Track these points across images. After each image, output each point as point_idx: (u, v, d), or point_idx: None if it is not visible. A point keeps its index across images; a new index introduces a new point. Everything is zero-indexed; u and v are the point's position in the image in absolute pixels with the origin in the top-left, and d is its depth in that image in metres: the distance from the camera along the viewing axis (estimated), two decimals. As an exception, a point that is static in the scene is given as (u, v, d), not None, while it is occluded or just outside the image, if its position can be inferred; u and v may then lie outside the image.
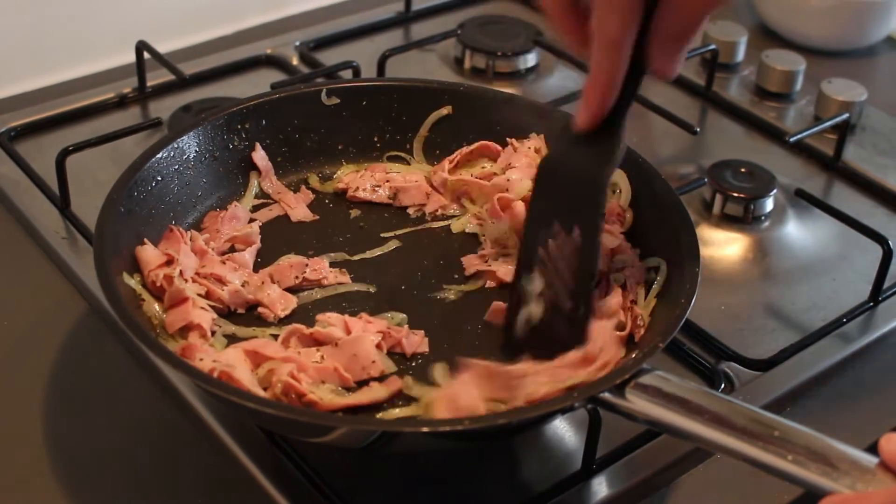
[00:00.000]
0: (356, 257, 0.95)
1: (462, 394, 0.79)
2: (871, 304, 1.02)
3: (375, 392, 0.81)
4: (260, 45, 1.34)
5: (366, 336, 0.83)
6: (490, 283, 0.93)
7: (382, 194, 1.01)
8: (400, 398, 0.82)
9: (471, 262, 0.94)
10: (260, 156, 1.00)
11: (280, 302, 0.89)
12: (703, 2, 0.78)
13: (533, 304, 0.84)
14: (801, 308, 1.02)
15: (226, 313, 0.88)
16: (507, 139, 1.01)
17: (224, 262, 0.90)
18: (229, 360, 0.80)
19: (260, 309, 0.89)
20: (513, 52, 1.33)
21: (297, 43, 1.35)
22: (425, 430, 0.73)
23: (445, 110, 1.03)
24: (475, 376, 0.80)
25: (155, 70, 1.23)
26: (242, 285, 0.88)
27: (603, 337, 0.83)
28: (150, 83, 1.24)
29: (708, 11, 0.79)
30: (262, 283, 0.89)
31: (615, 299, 0.87)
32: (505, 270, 0.92)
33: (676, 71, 0.80)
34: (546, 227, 0.83)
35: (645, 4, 0.78)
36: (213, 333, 0.85)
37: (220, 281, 0.88)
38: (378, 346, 0.83)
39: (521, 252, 0.86)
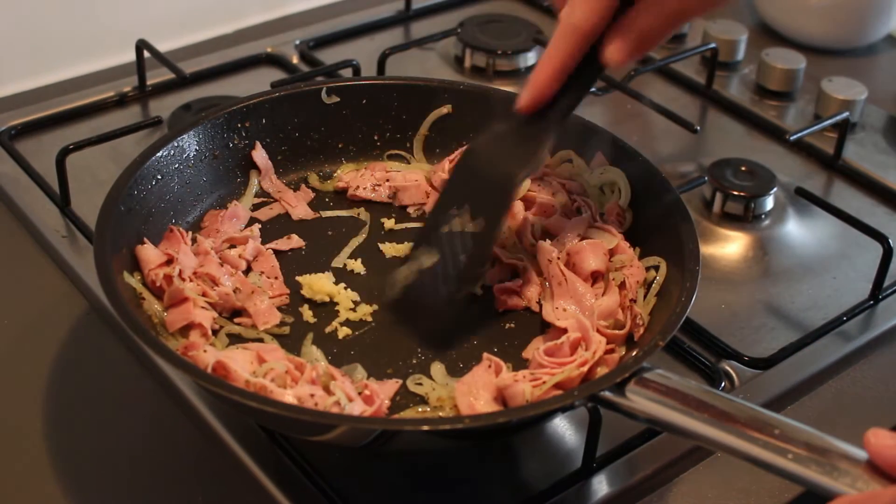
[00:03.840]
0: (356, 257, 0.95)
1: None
2: (872, 302, 1.02)
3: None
4: (260, 43, 1.34)
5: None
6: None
7: (382, 193, 1.01)
8: (412, 399, 0.83)
9: None
10: (260, 154, 1.00)
11: (264, 315, 0.87)
12: (681, 8, 0.77)
13: (418, 268, 0.85)
14: (801, 306, 1.02)
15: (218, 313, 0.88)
16: (507, 138, 1.01)
17: (222, 265, 0.90)
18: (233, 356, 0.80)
19: (242, 318, 0.88)
20: (513, 50, 1.33)
21: (297, 41, 1.35)
22: (425, 428, 0.73)
23: (445, 109, 1.03)
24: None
25: (155, 69, 1.23)
26: (234, 290, 0.88)
27: (581, 330, 0.83)
28: (150, 82, 1.24)
29: (686, 19, 0.78)
30: (253, 292, 0.88)
31: (612, 299, 0.87)
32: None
33: (623, 65, 0.80)
34: (455, 208, 0.85)
35: (619, 3, 0.77)
36: (215, 333, 0.85)
37: (214, 282, 0.88)
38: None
39: (425, 224, 0.88)
